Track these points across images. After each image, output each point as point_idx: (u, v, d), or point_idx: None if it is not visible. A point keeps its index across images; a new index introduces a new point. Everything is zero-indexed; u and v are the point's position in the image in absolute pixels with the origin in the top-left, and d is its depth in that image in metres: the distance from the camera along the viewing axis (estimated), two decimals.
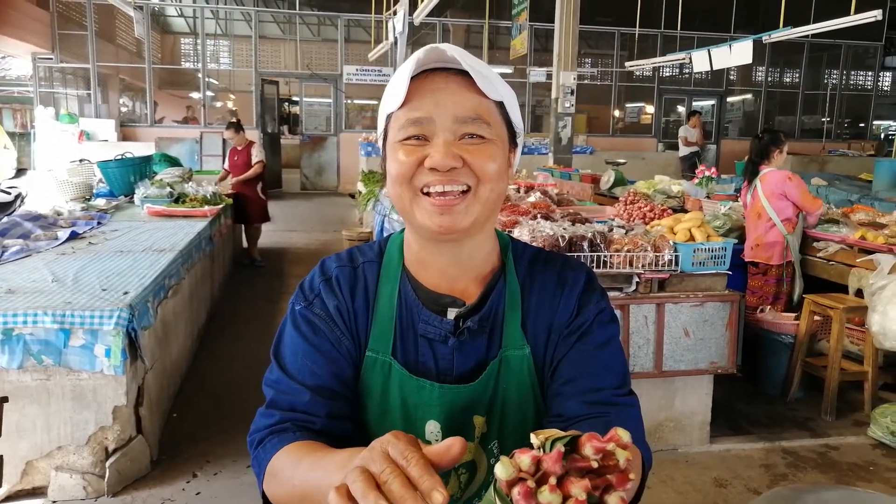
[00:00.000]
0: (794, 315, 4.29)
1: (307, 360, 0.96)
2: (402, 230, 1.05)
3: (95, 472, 2.88)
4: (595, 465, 0.55)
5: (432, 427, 0.97)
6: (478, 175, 0.89)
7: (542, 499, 0.53)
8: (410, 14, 7.85)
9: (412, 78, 0.90)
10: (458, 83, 0.90)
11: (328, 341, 0.98)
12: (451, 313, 0.98)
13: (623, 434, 0.57)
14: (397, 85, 0.90)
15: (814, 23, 5.91)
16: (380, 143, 0.99)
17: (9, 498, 2.80)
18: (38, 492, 2.86)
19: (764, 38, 6.04)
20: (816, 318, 4.15)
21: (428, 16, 8.79)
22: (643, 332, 3.27)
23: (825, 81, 17.25)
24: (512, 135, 0.98)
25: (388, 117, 0.95)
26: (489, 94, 0.91)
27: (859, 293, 4.06)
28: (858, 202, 6.73)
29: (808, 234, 4.61)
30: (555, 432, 0.58)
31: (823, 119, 16.91)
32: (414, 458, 0.58)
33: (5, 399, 1.60)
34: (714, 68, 6.89)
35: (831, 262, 4.39)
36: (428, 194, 0.89)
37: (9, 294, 2.97)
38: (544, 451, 0.57)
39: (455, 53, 0.89)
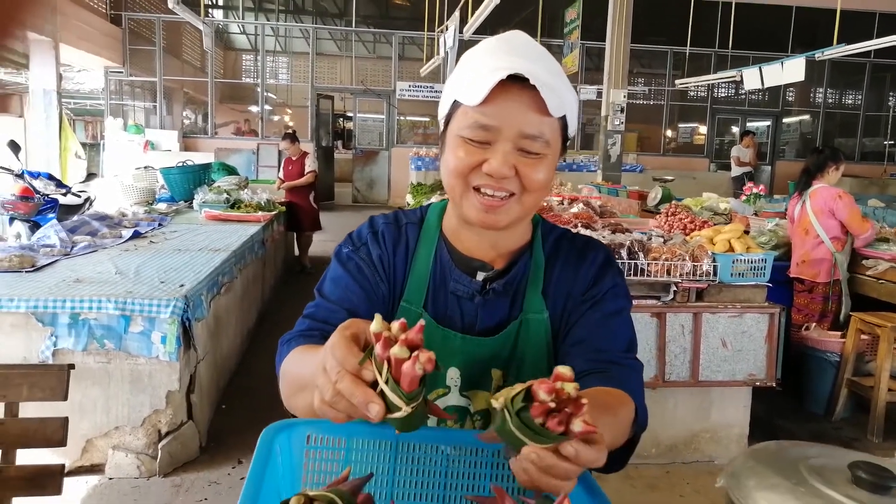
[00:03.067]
0: (840, 333, 4.22)
1: (348, 291, 1.07)
2: (442, 200, 1.16)
3: (149, 452, 3.06)
4: (552, 404, 0.65)
5: (453, 374, 1.07)
6: (525, 186, 0.98)
7: (392, 352, 0.66)
8: (461, 31, 8.03)
9: None
10: (530, 99, 0.94)
11: (368, 282, 1.09)
12: (480, 276, 1.08)
13: (564, 370, 0.66)
14: (478, 82, 0.94)
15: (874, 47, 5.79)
16: (441, 125, 1.07)
17: (70, 473, 3.00)
18: (95, 469, 3.06)
19: (817, 56, 5.97)
20: (864, 336, 4.07)
21: (480, 32, 8.96)
22: (679, 341, 3.29)
23: (889, 103, 16.75)
24: (565, 140, 1.05)
25: (456, 103, 1.00)
26: (556, 114, 0.96)
27: None
28: None
29: (858, 251, 4.53)
30: (513, 389, 0.69)
31: (886, 142, 16.40)
32: (341, 377, 0.68)
33: (72, 366, 1.76)
34: (765, 86, 6.82)
35: (881, 281, 4.30)
36: (477, 190, 0.99)
37: (77, 283, 3.20)
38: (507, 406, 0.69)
39: (538, 71, 0.94)
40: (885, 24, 13.69)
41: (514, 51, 0.98)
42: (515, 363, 1.07)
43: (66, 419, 1.72)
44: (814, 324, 4.39)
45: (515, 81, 0.94)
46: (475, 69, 0.97)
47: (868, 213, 6.70)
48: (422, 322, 0.69)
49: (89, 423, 3.02)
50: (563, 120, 1.01)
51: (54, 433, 1.70)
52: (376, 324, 0.69)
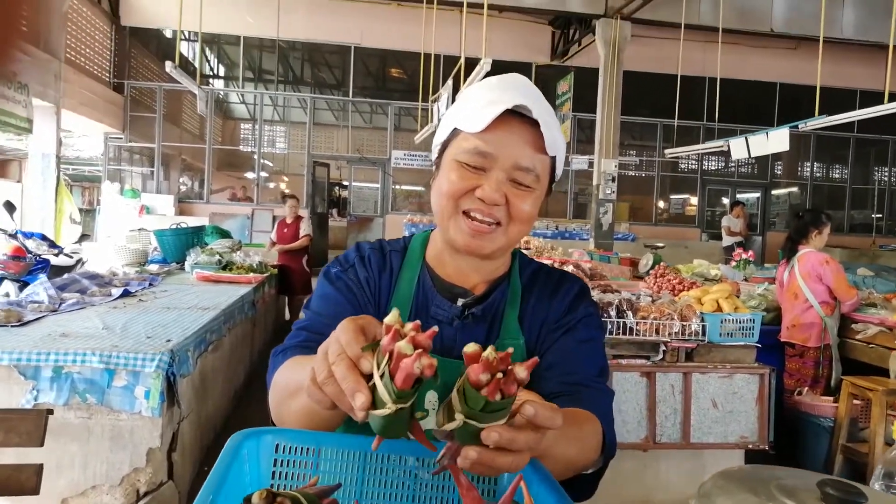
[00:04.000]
0: (833, 398, 4.19)
1: (338, 307, 1.09)
2: (425, 231, 1.21)
3: None
4: (500, 375, 0.67)
5: (431, 397, 1.07)
6: (513, 216, 1.03)
7: (397, 345, 0.66)
8: (454, 99, 8.26)
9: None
10: (528, 134, 1.01)
11: (357, 300, 1.11)
12: (460, 301, 1.11)
13: (468, 348, 0.69)
14: (482, 111, 0.99)
15: (854, 119, 5.96)
16: (435, 151, 1.11)
17: None
18: None
19: (800, 126, 6.16)
20: (856, 401, 4.04)
21: None
22: (670, 402, 3.26)
23: (874, 177, 17.14)
24: (551, 181, 1.10)
25: (455, 130, 1.05)
26: (550, 152, 1.03)
27: None
28: None
29: (847, 316, 4.55)
30: (454, 404, 0.70)
31: (874, 215, 16.69)
32: (339, 360, 0.69)
33: (50, 411, 1.73)
34: (752, 155, 6.99)
35: (871, 345, 4.30)
36: (467, 214, 1.03)
37: (62, 337, 3.17)
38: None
39: (540, 110, 1.00)
40: (865, 100, 14.14)
41: (516, 89, 1.03)
42: None
43: (40, 466, 1.68)
44: (806, 388, 4.36)
45: (515, 115, 1.00)
46: (477, 100, 1.03)
47: (857, 281, 6.76)
48: (434, 329, 0.70)
49: (66, 482, 2.93)
50: (553, 161, 1.07)
51: (28, 480, 1.66)
52: (392, 316, 0.70)
